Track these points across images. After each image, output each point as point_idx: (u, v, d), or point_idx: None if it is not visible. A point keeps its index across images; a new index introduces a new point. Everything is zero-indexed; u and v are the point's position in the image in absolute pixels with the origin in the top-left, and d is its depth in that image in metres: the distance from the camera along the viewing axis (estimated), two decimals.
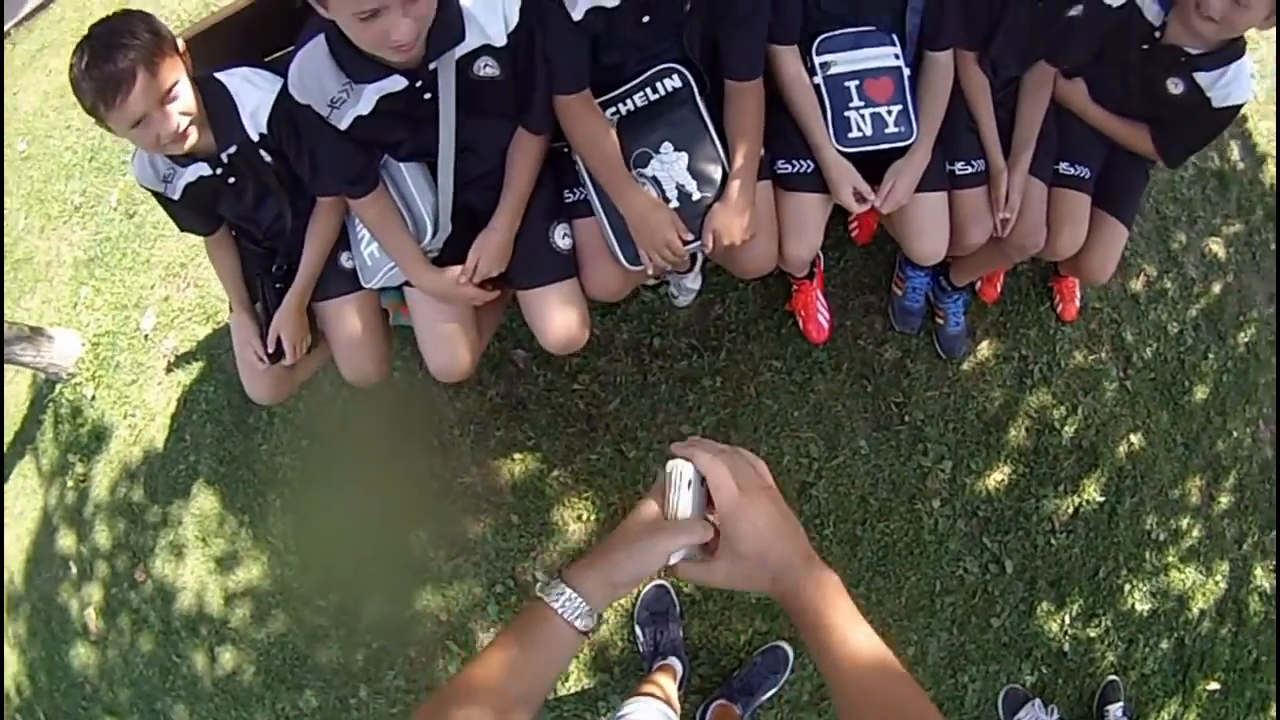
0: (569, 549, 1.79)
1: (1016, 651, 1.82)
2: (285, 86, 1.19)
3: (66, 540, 2.12)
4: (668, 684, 1.52)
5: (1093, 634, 1.86)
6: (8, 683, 2.16)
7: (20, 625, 2.17)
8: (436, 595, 1.81)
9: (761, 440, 1.80)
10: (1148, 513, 1.93)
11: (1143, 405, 1.97)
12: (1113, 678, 1.84)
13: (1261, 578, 2.02)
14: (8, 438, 2.30)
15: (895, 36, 1.33)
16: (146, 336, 2.13)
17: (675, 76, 1.27)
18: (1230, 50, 1.35)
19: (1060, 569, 1.86)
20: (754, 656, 1.72)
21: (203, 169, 1.28)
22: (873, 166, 1.36)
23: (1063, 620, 1.85)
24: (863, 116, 1.33)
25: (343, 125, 1.18)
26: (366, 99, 1.15)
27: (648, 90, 1.28)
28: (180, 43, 1.18)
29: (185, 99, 1.16)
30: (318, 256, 1.37)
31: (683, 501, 0.59)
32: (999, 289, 1.90)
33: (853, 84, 1.32)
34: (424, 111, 1.19)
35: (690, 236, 1.26)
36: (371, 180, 1.26)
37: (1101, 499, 1.90)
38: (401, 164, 1.27)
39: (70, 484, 2.14)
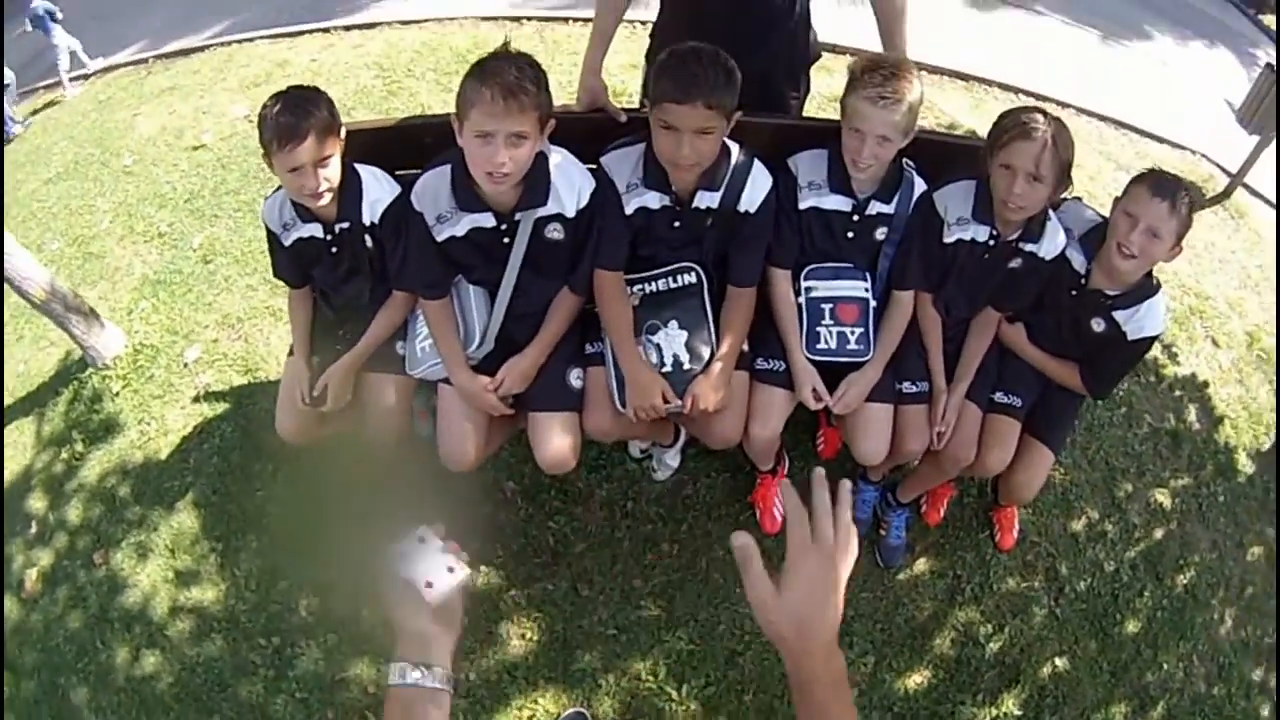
0: (507, 661, 2.04)
1: None
2: (404, 192, 1.65)
3: (38, 503, 2.37)
4: None
5: None
6: None
7: None
8: (371, 668, 2.04)
9: (703, 607, 2.10)
10: None
11: (1070, 632, 2.23)
12: None
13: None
14: (20, 394, 2.61)
15: (868, 274, 1.80)
16: (186, 365, 2.52)
17: (692, 274, 1.73)
18: (1144, 290, 1.72)
19: None
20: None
21: (317, 230, 1.68)
22: (834, 376, 1.78)
23: None
24: (830, 333, 1.76)
25: (439, 238, 1.62)
26: (463, 225, 1.60)
27: (670, 279, 1.74)
28: (343, 130, 1.63)
29: (333, 169, 1.58)
30: (381, 334, 1.77)
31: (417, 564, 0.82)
32: (942, 513, 2.26)
33: (827, 306, 1.77)
34: (499, 251, 1.64)
35: (674, 400, 1.65)
36: (444, 289, 1.69)
37: (1020, 713, 2.11)
38: (469, 285, 1.71)
39: (64, 456, 2.43)
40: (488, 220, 1.60)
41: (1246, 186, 3.84)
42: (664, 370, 1.68)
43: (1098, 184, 3.40)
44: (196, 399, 2.44)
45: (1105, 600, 2.30)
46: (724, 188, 1.63)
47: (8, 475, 2.48)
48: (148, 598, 2.17)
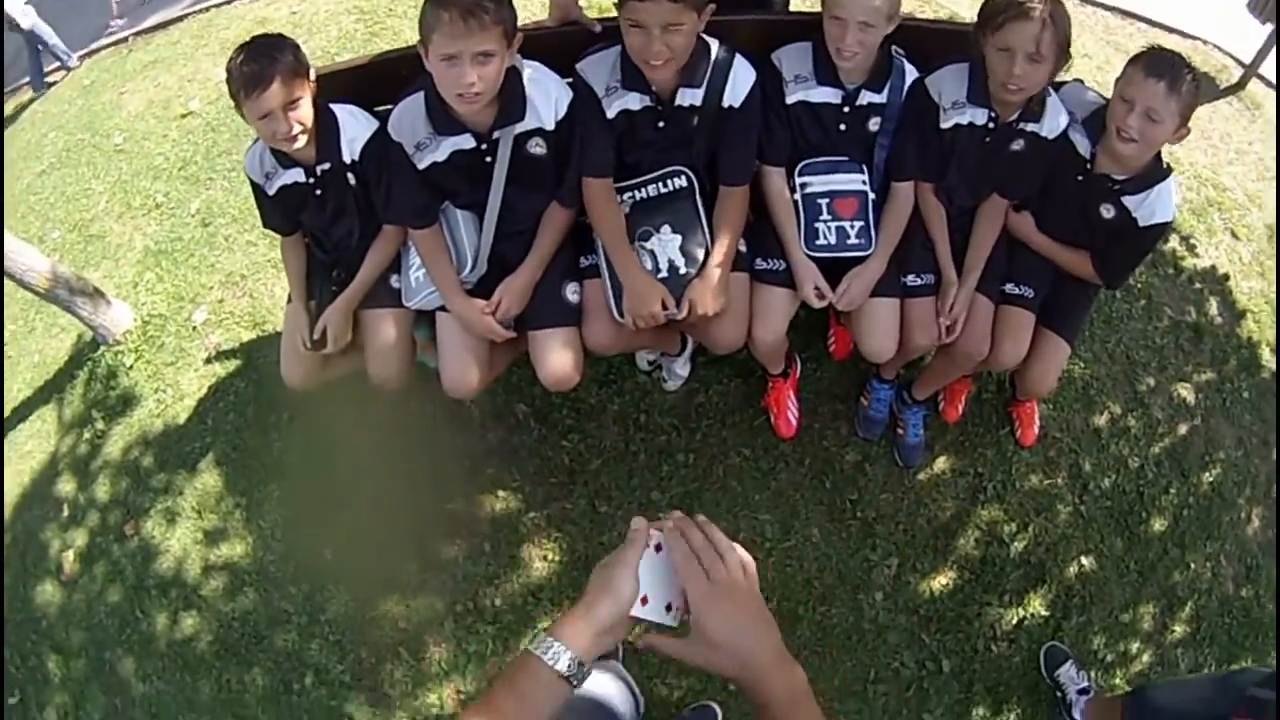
0: (531, 583, 2.09)
1: None
2: (382, 127, 1.66)
3: (67, 485, 2.47)
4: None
5: None
6: None
7: None
8: (400, 604, 2.10)
9: (722, 516, 2.12)
10: (1095, 633, 2.14)
11: (1096, 530, 2.23)
12: (1051, 643, 2.02)
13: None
14: (38, 383, 2.69)
15: (864, 166, 1.77)
16: (195, 328, 2.57)
17: (682, 177, 1.71)
18: (1153, 174, 1.68)
19: (999, 676, 2.07)
20: (684, 711, 1.95)
21: (298, 175, 1.70)
22: (836, 273, 1.76)
23: None
24: (829, 228, 1.75)
25: (421, 166, 1.63)
26: (443, 149, 1.61)
27: (659, 184, 1.73)
28: (313, 73, 1.64)
29: (303, 112, 1.59)
30: (374, 271, 1.79)
31: (643, 565, 0.70)
32: (960, 410, 2.24)
33: (824, 201, 1.75)
34: (482, 172, 1.64)
35: (672, 308, 1.65)
36: (432, 217, 1.70)
37: (1047, 614, 2.13)
38: (457, 210, 1.72)
39: (86, 436, 2.51)
40: (467, 142, 1.60)
41: (1261, 77, 3.70)
42: (660, 276, 1.68)
43: (1106, 73, 3.27)
44: (208, 360, 2.49)
45: (1131, 498, 2.29)
46: (705, 84, 1.61)
47: (34, 463, 2.56)
48: (180, 561, 2.26)
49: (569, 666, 0.66)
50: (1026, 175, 1.78)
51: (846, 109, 1.70)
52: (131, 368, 2.56)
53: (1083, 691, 1.97)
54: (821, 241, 1.74)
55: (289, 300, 1.88)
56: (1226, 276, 2.76)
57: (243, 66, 1.51)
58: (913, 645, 2.06)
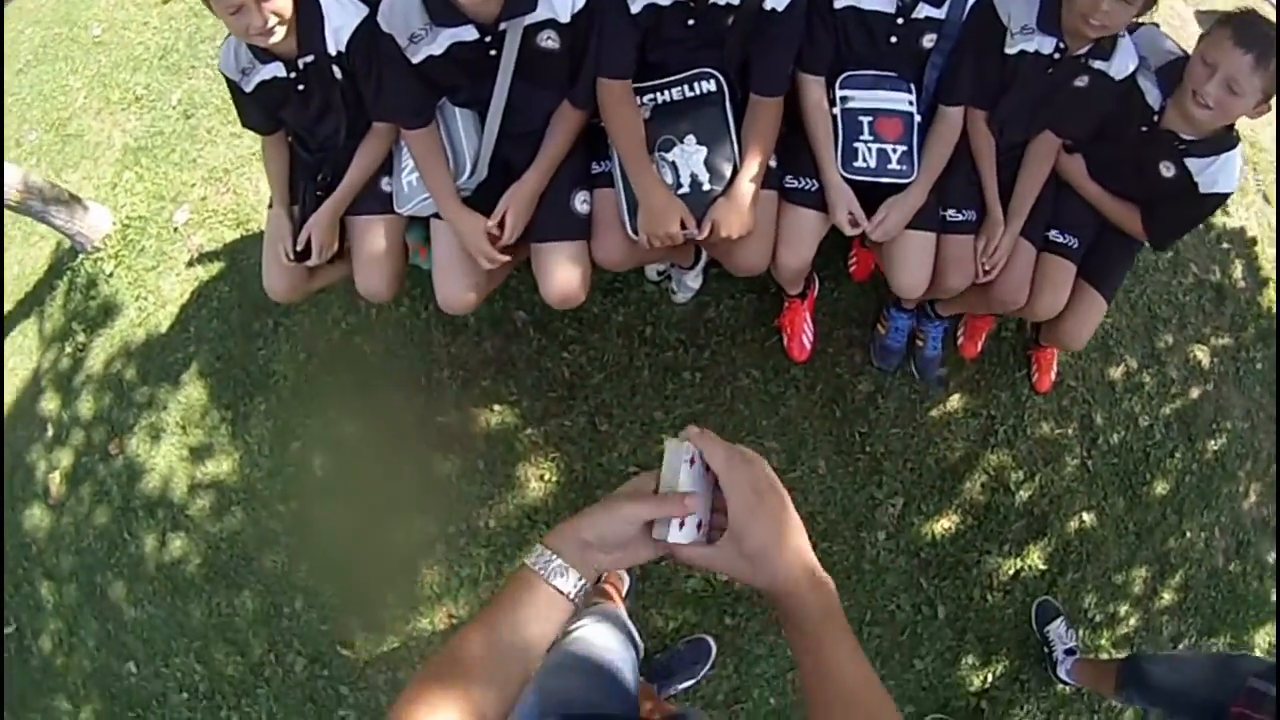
0: (526, 505, 1.95)
1: (935, 696, 1.95)
2: (371, 14, 1.41)
3: (50, 404, 2.30)
4: (614, 594, 1.66)
5: (1011, 697, 1.99)
6: None
7: None
8: (391, 524, 1.97)
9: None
10: (1088, 591, 2.07)
11: (1100, 487, 2.12)
12: (1044, 597, 1.97)
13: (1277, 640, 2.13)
14: (18, 296, 2.49)
15: (912, 85, 1.54)
16: (176, 229, 2.34)
17: (711, 81, 1.48)
18: (1222, 140, 1.52)
19: (991, 626, 1.99)
20: (678, 644, 1.86)
21: (278, 69, 1.48)
22: (872, 197, 1.56)
23: (985, 678, 1.98)
24: (869, 149, 1.54)
25: (415, 59, 1.39)
26: (441, 41, 1.37)
27: (685, 87, 1.49)
28: None
29: (280, 1, 1.36)
30: (361, 174, 1.57)
31: (680, 477, 0.61)
32: (979, 347, 2.08)
33: (866, 119, 1.54)
34: (486, 66, 1.40)
35: (692, 228, 1.45)
36: (427, 115, 1.47)
37: (1044, 567, 2.04)
38: (456, 108, 1.48)
39: (68, 350, 2.33)
40: (469, 34, 1.36)
41: None
42: (681, 191, 1.47)
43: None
44: (190, 263, 2.28)
45: (1137, 457, 2.17)
46: None
47: (18, 380, 2.38)
48: (166, 480, 2.11)
49: (558, 575, 0.60)
50: (1086, 115, 1.57)
51: (900, 20, 1.46)
52: (111, 275, 2.34)
53: (1069, 651, 1.91)
54: (860, 164, 1.53)
55: (270, 205, 1.66)
56: (1254, 240, 2.57)
57: None
58: (910, 589, 1.97)
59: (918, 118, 1.55)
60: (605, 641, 1.09)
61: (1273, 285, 2.54)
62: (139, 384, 2.22)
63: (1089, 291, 1.73)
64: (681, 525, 0.62)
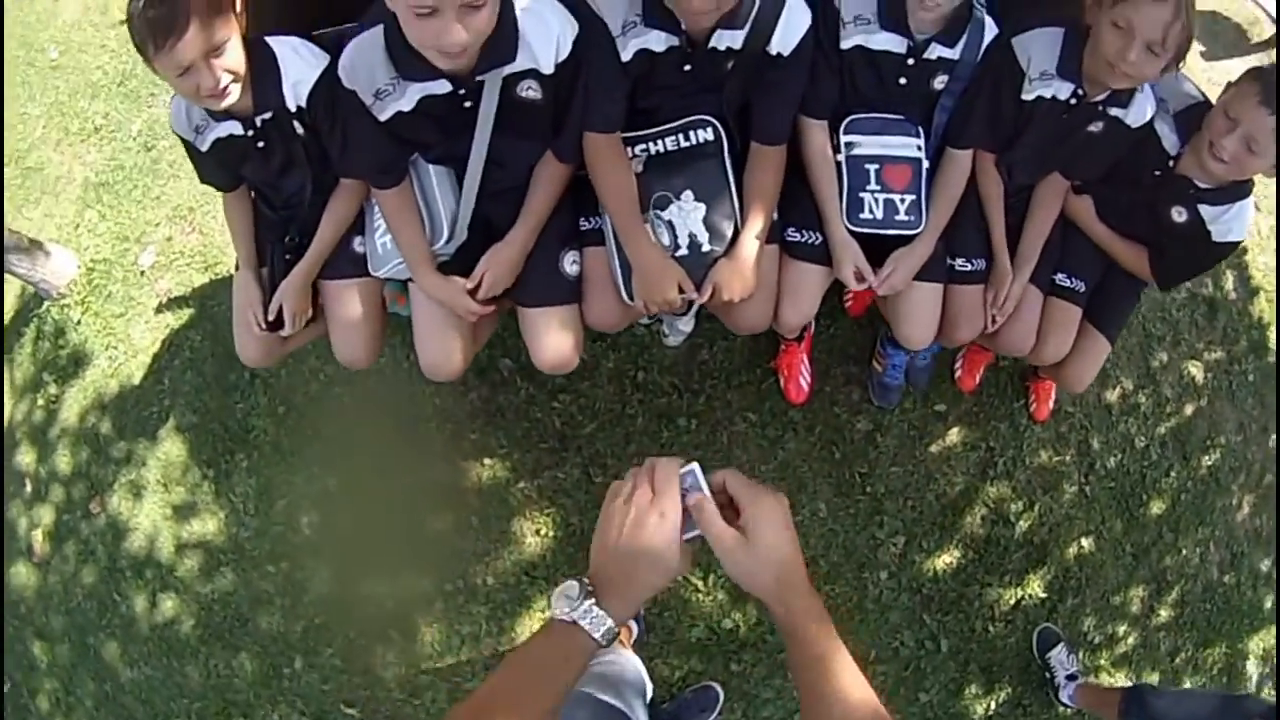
0: (524, 561, 1.84)
1: None
2: (331, 65, 1.23)
3: (26, 458, 2.14)
4: (624, 637, 1.58)
5: None
6: None
7: None
8: (385, 582, 1.85)
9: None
10: (1087, 614, 2.01)
11: (1098, 511, 2.05)
12: (1044, 625, 1.92)
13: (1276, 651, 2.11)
14: None
15: (920, 129, 1.40)
16: (143, 272, 2.15)
17: (709, 129, 1.32)
18: (1238, 189, 1.42)
19: (994, 656, 1.93)
20: (685, 692, 1.78)
21: (235, 128, 1.30)
22: (877, 248, 1.43)
23: (988, 706, 1.93)
24: (876, 200, 1.40)
25: (383, 116, 1.22)
26: (410, 96, 1.19)
27: (680, 136, 1.34)
28: (238, 1, 1.20)
29: (232, 57, 1.18)
30: (332, 236, 1.41)
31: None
32: (977, 380, 1.97)
33: (873, 167, 1.39)
34: (461, 119, 1.23)
35: (691, 291, 1.31)
36: (398, 173, 1.30)
37: (1044, 595, 1.98)
38: (429, 165, 1.32)
39: (40, 402, 2.15)
40: (441, 87, 1.18)
41: None
42: (679, 254, 1.32)
43: None
44: (159, 309, 2.10)
45: (1134, 479, 2.10)
46: (750, 24, 1.20)
47: None
48: (151, 539, 1.97)
49: (605, 634, 0.60)
50: (1098, 159, 1.45)
51: (911, 61, 1.31)
52: (79, 322, 2.15)
53: (1071, 676, 1.86)
54: (866, 215, 1.39)
55: (236, 267, 1.49)
56: (1245, 250, 2.47)
57: (147, 11, 1.09)
58: (913, 625, 1.90)
59: (926, 164, 1.41)
60: (619, 677, 1.07)
61: (1263, 295, 2.46)
62: (115, 439, 2.05)
63: (1092, 334, 1.63)
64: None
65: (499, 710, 0.57)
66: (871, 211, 1.40)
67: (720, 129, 1.33)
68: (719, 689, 1.77)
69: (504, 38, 1.13)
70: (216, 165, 1.39)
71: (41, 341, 2.19)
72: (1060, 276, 1.58)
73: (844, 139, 1.39)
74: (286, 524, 1.91)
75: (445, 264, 1.36)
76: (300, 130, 1.31)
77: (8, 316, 2.30)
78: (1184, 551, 2.11)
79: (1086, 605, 2.01)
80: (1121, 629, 2.04)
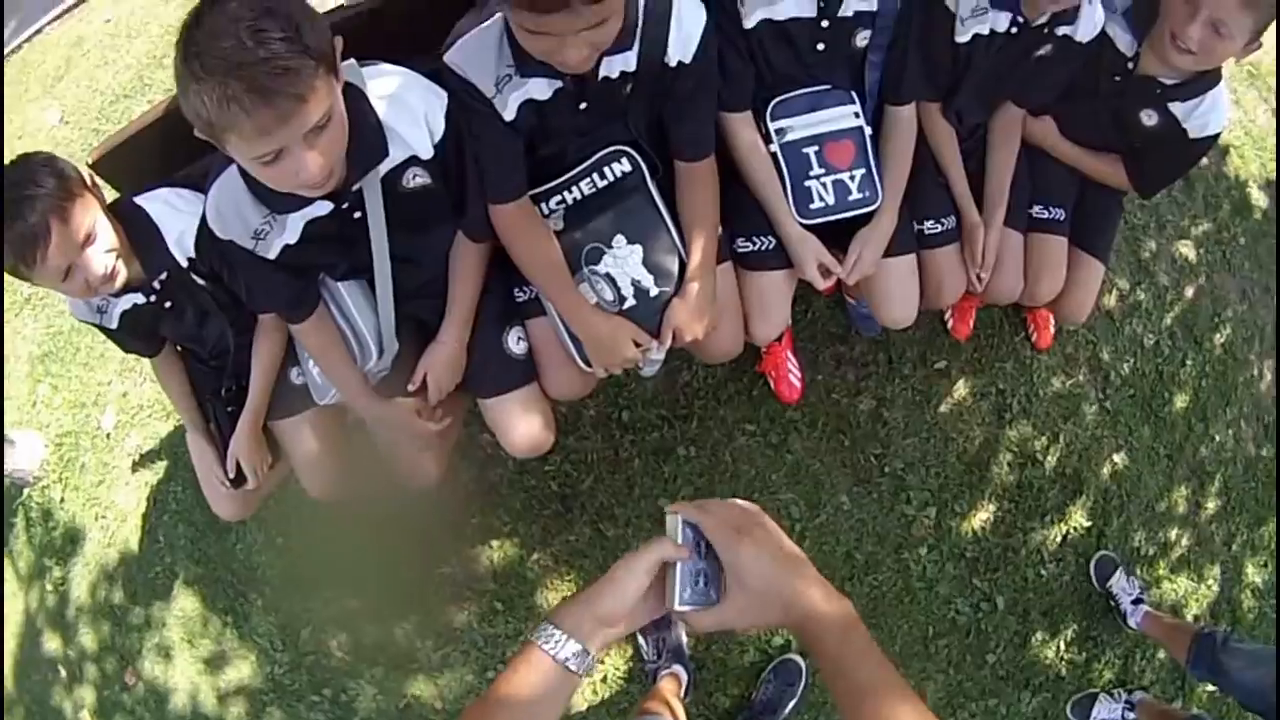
0: None
1: (1014, 683, 1.73)
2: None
3: (52, 643, 1.98)
4: (671, 697, 1.41)
5: (1088, 655, 1.77)
6: None
7: None
8: (429, 685, 1.69)
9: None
10: (1135, 530, 1.83)
11: (1124, 423, 1.86)
12: (1099, 554, 1.74)
13: (1253, 574, 1.93)
14: None
15: (854, 94, 1.17)
16: (108, 435, 1.96)
17: (624, 160, 1.11)
18: (1206, 79, 1.21)
19: (1052, 598, 1.76)
20: (766, 674, 1.61)
21: (136, 298, 1.16)
22: (838, 234, 1.21)
23: (1058, 647, 1.76)
24: (824, 185, 1.18)
25: (270, 255, 1.02)
26: (292, 228, 1.00)
27: (595, 176, 1.12)
28: (89, 176, 1.05)
29: (105, 236, 1.03)
30: (265, 378, 1.23)
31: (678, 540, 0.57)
32: (971, 325, 1.76)
33: (811, 150, 1.17)
34: (356, 230, 1.03)
35: (649, 342, 1.11)
36: (310, 303, 1.11)
37: (1089, 524, 1.79)
38: (339, 284, 1.11)
39: (49, 587, 1.98)
40: (321, 209, 0.99)
41: None
42: (626, 307, 1.12)
43: None
44: (135, 468, 1.92)
45: (1151, 380, 1.89)
46: (638, 40, 0.97)
47: (14, 626, 2.03)
48: (193, 697, 1.80)
49: (573, 658, 0.54)
50: (1050, 82, 1.24)
51: (825, 23, 1.09)
52: (63, 501, 1.97)
53: (1136, 601, 1.68)
54: (817, 204, 1.18)
55: (186, 431, 1.32)
56: None
57: (7, 232, 0.97)
58: (965, 591, 1.72)
59: (868, 130, 1.18)
60: None
61: (1234, 152, 2.22)
62: (130, 606, 1.88)
63: (1084, 259, 1.43)
64: (689, 590, 0.57)
65: None
66: (822, 199, 1.18)
67: (636, 156, 1.11)
68: (798, 659, 1.60)
69: (367, 138, 0.93)
70: (132, 337, 1.24)
71: (33, 528, 2.01)
72: (1037, 209, 1.38)
73: (773, 126, 1.17)
74: (317, 650, 1.74)
75: (387, 378, 1.16)
76: (201, 281, 1.14)
77: None
78: (1217, 437, 1.92)
79: (1133, 521, 1.82)
80: (1173, 533, 1.86)
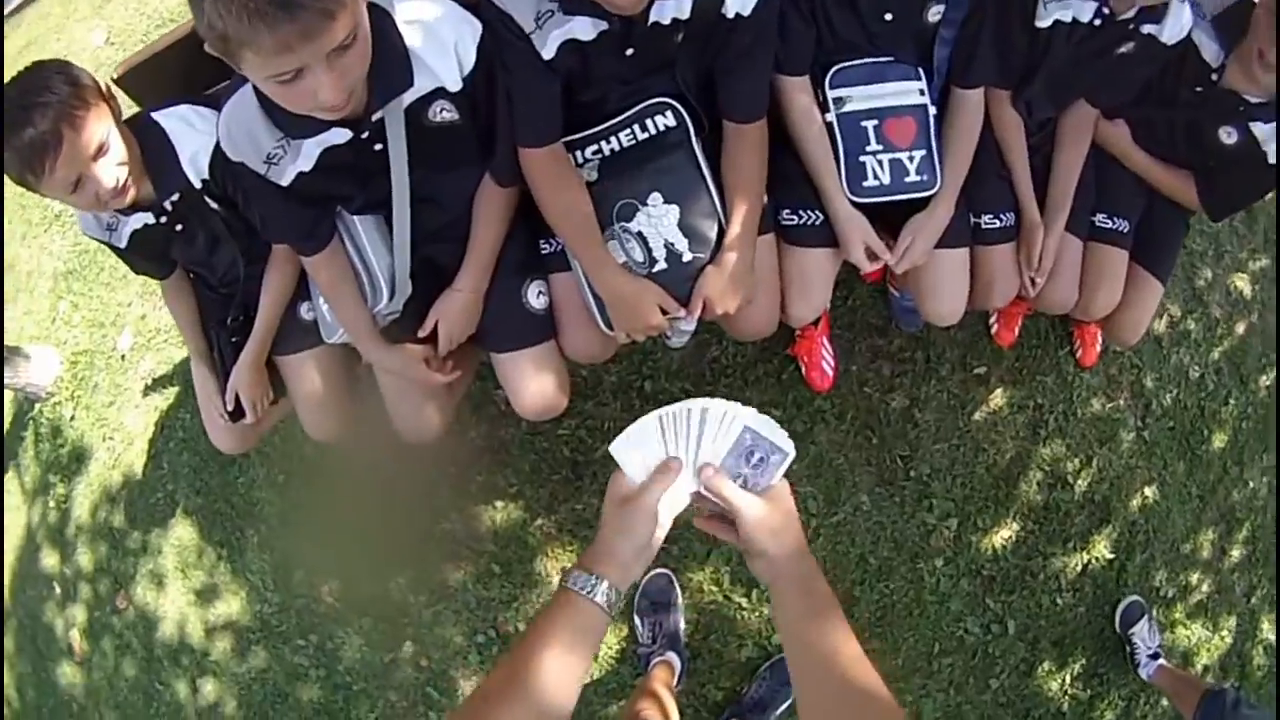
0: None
1: (1013, 712, 1.65)
2: None
3: (50, 560, 1.98)
4: (662, 687, 1.36)
5: (1093, 694, 1.69)
6: None
7: (8, 639, 2.05)
8: (417, 642, 1.66)
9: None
10: (1157, 568, 1.74)
11: (1159, 456, 1.76)
12: (1133, 598, 1.67)
13: (1268, 631, 1.84)
14: None
15: (920, 70, 1.10)
16: (124, 357, 1.95)
17: (669, 114, 1.04)
18: None
19: (1064, 628, 1.68)
20: (762, 671, 1.56)
21: (146, 218, 1.11)
22: (889, 217, 1.14)
23: (1063, 680, 1.68)
24: (880, 163, 1.10)
25: (284, 182, 0.97)
26: (307, 154, 0.94)
27: (636, 128, 1.05)
28: (105, 86, 1.01)
29: (118, 150, 0.99)
30: (274, 310, 1.19)
31: (648, 457, 0.66)
32: (1016, 332, 1.67)
33: (870, 124, 1.09)
34: (375, 163, 0.97)
35: (677, 310, 1.04)
36: (323, 237, 1.06)
37: (1111, 556, 1.71)
38: (356, 218, 1.06)
39: (52, 504, 1.99)
40: (338, 136, 0.93)
41: None
42: (656, 270, 1.05)
43: None
44: (146, 391, 1.90)
45: (1192, 414, 1.79)
46: None
47: (15, 540, 2.05)
48: (181, 626, 1.80)
49: (606, 596, 0.59)
50: (1128, 83, 1.15)
51: None
52: (73, 418, 1.97)
53: (1154, 655, 1.59)
54: (871, 182, 1.10)
55: (191, 359, 1.29)
56: None
57: (10, 140, 0.92)
58: (976, 610, 1.64)
59: (932, 110, 1.10)
60: None
61: None
62: (129, 530, 1.88)
63: (1142, 276, 1.34)
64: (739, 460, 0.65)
65: (515, 698, 0.54)
66: (876, 177, 1.10)
67: (682, 111, 1.04)
68: None
69: (391, 64, 0.87)
70: (142, 257, 1.20)
71: (41, 444, 2.01)
72: (1100, 218, 1.29)
73: (831, 94, 1.09)
74: (308, 595, 1.72)
75: (398, 321, 1.11)
76: (214, 205, 1.09)
77: (7, 424, 2.13)
78: (1250, 484, 1.82)
79: (1156, 559, 1.73)
80: (1194, 577, 1.77)
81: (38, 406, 2.01)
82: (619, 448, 0.64)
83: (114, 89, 1.04)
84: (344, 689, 1.69)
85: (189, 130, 1.04)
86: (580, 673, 0.57)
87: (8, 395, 2.11)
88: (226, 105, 0.93)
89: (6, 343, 1.94)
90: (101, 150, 0.96)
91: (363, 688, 1.68)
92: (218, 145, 1.00)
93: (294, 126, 0.90)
